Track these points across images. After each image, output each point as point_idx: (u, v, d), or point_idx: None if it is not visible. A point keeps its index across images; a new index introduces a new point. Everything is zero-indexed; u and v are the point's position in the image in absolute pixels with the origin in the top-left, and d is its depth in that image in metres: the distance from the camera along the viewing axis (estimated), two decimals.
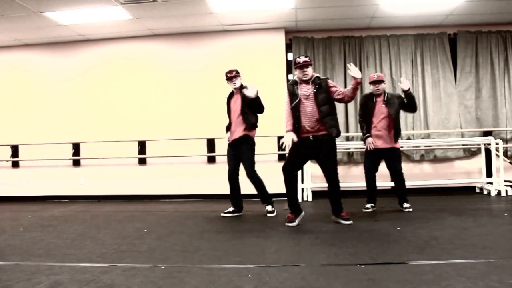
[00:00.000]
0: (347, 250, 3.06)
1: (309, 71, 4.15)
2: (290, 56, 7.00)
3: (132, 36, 7.03)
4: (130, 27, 6.64)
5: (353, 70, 3.97)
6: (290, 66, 6.99)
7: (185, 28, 6.80)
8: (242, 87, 4.76)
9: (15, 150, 7.24)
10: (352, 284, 2.30)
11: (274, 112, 5.87)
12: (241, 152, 4.77)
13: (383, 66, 6.80)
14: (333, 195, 4.20)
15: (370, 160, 4.95)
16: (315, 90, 4.08)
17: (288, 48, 7.00)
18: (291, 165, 4.20)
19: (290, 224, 4.13)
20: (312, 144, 4.11)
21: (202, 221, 4.61)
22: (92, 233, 4.03)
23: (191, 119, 6.90)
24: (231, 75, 4.83)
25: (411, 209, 4.82)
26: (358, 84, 3.97)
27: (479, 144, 6.54)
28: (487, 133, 6.61)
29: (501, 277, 2.31)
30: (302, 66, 4.13)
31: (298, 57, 4.21)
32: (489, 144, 6.29)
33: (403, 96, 4.84)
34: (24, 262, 2.96)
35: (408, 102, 4.78)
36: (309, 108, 4.08)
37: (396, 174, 4.87)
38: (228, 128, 4.92)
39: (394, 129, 4.82)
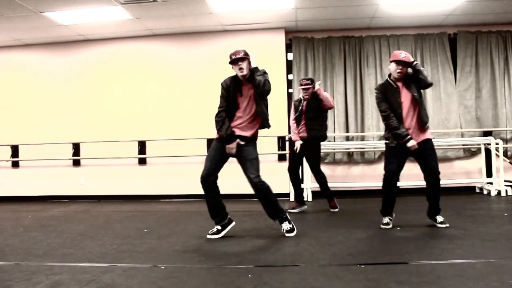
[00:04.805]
0: (347, 250, 3.05)
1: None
2: (290, 56, 6.99)
3: (132, 36, 7.03)
4: (130, 27, 6.64)
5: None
6: (290, 66, 6.99)
7: (185, 28, 6.79)
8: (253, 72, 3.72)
9: (15, 150, 7.24)
10: (352, 284, 2.30)
11: (274, 112, 5.84)
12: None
13: (383, 66, 6.79)
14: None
15: (395, 160, 3.84)
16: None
17: (288, 48, 6.99)
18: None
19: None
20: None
21: (202, 221, 4.61)
22: (92, 233, 4.03)
23: (191, 119, 6.89)
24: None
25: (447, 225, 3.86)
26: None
27: (479, 144, 6.54)
28: (487, 133, 6.61)
29: (501, 277, 2.31)
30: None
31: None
32: (489, 144, 6.29)
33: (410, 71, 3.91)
34: (24, 262, 2.95)
35: (418, 76, 3.84)
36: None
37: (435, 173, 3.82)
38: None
39: (420, 116, 3.83)
